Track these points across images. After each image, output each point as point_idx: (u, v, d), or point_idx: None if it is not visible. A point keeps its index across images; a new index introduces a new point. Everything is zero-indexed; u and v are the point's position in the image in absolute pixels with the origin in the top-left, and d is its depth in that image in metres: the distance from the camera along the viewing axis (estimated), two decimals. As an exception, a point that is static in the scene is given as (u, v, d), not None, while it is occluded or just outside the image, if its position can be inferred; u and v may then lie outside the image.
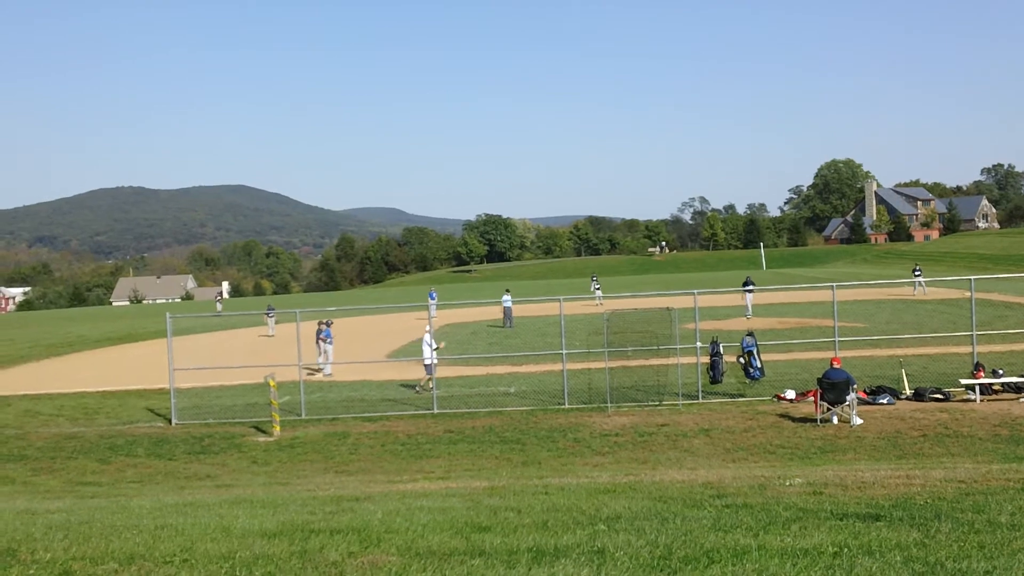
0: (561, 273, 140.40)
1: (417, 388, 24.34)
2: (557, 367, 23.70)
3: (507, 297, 41.91)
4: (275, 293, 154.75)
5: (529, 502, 10.03)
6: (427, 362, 23.59)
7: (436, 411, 21.40)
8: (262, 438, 19.74)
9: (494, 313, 45.91)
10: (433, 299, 46.07)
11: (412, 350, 32.42)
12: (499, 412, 21.03)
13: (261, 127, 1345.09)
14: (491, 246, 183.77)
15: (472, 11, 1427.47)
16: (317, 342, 28.85)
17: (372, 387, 25.69)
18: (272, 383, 20.11)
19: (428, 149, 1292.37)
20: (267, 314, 42.83)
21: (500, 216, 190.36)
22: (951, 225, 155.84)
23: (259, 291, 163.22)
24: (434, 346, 23.80)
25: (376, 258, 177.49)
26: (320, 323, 29.53)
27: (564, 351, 22.33)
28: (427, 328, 24.50)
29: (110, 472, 17.51)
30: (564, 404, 21.42)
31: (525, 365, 27.77)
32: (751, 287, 39.96)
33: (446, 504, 10.13)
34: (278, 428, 19.97)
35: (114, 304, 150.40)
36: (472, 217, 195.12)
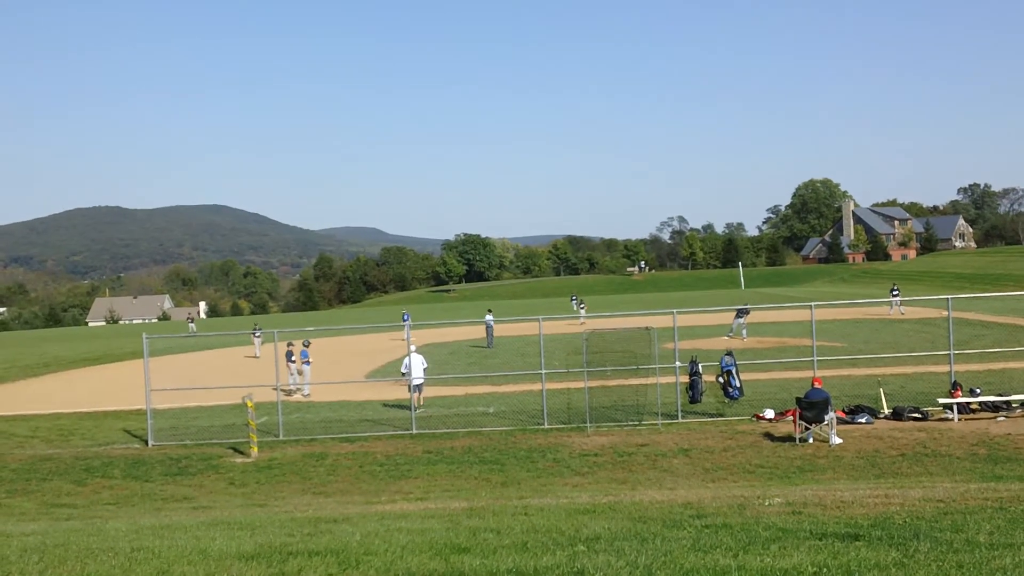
0: (540, 292, 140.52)
1: (420, 409, 23.87)
2: (536, 387, 23.68)
3: (489, 316, 41.90)
4: (253, 313, 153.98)
5: (508, 523, 9.98)
6: (419, 381, 23.79)
7: (415, 431, 21.31)
8: (240, 459, 19.58)
9: (473, 333, 45.88)
10: (407, 320, 46.25)
11: (390, 370, 32.30)
12: (478, 432, 20.96)
13: (240, 147, 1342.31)
14: (470, 266, 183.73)
15: (449, 30, 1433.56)
16: (288, 364, 28.61)
17: (351, 407, 25.57)
18: (250, 404, 19.97)
19: (407, 169, 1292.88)
20: (254, 334, 42.47)
21: (479, 235, 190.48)
22: (928, 244, 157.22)
23: (237, 311, 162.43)
24: (425, 365, 24.16)
25: (354, 278, 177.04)
26: (289, 344, 29.41)
27: (543, 371, 22.30)
28: (412, 348, 24.48)
29: (86, 494, 17.31)
30: (543, 424, 21.38)
31: (504, 385, 27.73)
32: (745, 310, 40.04)
33: (425, 525, 10.07)
34: (256, 449, 19.82)
35: (90, 324, 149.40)
36: (451, 236, 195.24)
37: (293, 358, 28.76)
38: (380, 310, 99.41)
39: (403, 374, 24.57)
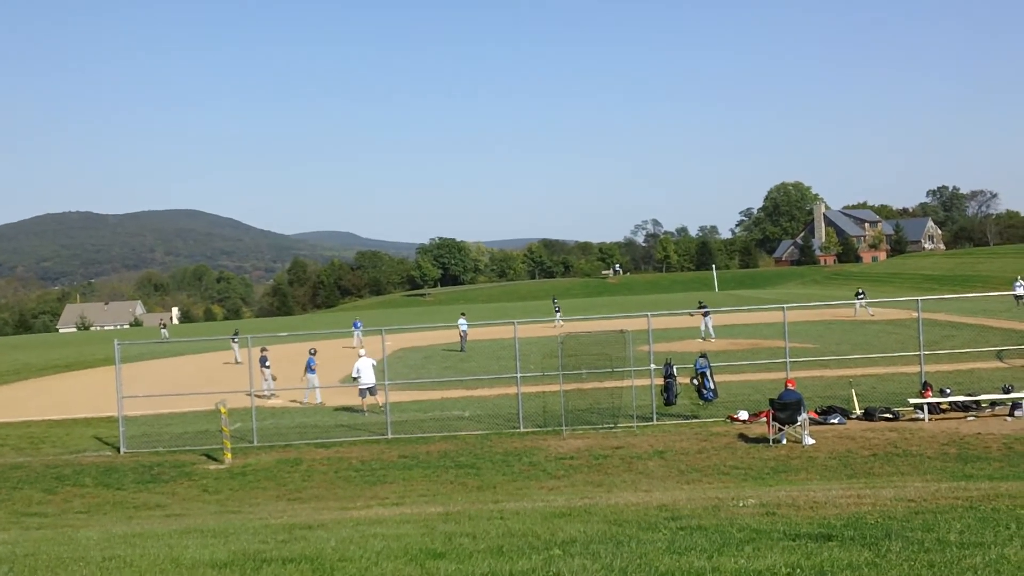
0: (515, 296, 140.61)
1: (369, 411, 24.40)
2: (512, 390, 23.69)
3: (463, 320, 41.91)
4: (226, 318, 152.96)
5: (484, 527, 9.97)
6: (368, 385, 24.33)
7: (390, 436, 21.27)
8: (213, 466, 19.45)
9: (448, 337, 45.81)
10: (358, 328, 46.28)
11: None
12: (454, 437, 20.95)
13: (213, 152, 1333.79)
14: (445, 270, 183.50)
15: (423, 35, 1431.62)
16: (262, 369, 28.40)
17: (325, 413, 25.48)
18: (223, 410, 19.85)
19: (382, 173, 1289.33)
20: (233, 340, 42.08)
21: (454, 239, 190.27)
22: (898, 246, 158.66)
23: (210, 316, 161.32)
24: (374, 364, 24.71)
25: (329, 282, 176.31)
26: (263, 350, 29.23)
27: (519, 374, 22.32)
28: (362, 353, 25.22)
29: (56, 502, 17.13)
30: (519, 428, 21.39)
31: (479, 389, 27.72)
32: (707, 310, 40.37)
33: (400, 531, 10.04)
34: (229, 455, 19.70)
35: (61, 331, 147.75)
36: (426, 241, 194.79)
37: (268, 363, 28.60)
38: (355, 314, 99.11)
39: (354, 378, 24.91)
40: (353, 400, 25.69)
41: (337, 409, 25.87)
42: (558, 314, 52.53)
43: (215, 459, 19.97)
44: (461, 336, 41.63)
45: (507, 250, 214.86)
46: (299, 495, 16.75)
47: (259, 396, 26.34)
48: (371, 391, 24.60)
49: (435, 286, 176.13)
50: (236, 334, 43.40)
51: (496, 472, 17.65)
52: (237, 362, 40.45)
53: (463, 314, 45.30)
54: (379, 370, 25.30)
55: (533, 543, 8.38)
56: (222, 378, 33.55)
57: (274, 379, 28.64)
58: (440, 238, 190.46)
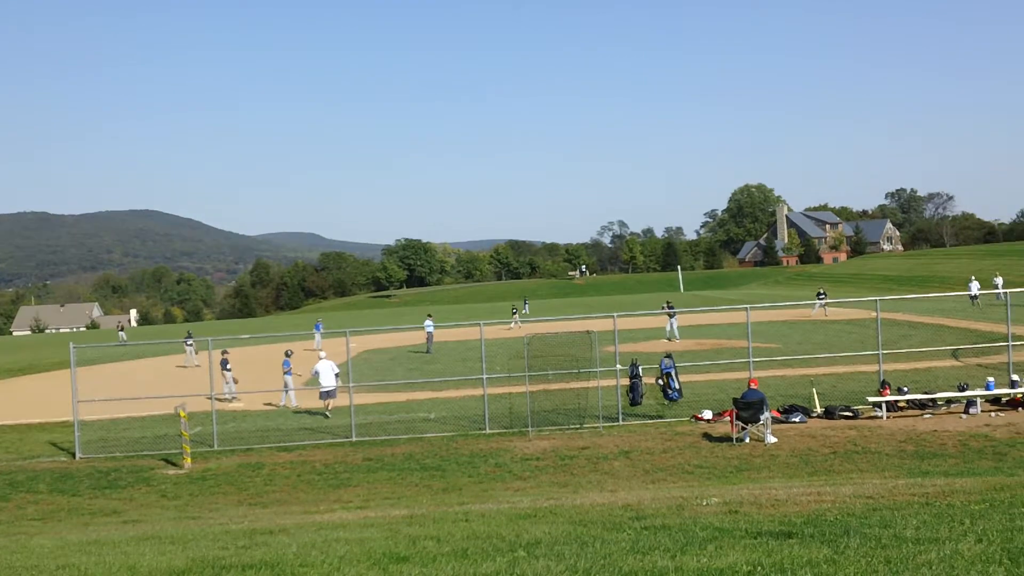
0: (482, 297, 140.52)
1: (327, 414, 24.34)
2: (478, 392, 23.66)
3: (429, 322, 41.79)
4: (186, 320, 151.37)
5: (449, 530, 9.94)
6: (329, 388, 24.31)
7: (355, 439, 21.15)
8: (172, 471, 19.23)
9: (414, 338, 45.67)
10: (319, 330, 46.00)
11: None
12: (419, 439, 20.89)
13: (172, 150, 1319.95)
14: (411, 271, 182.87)
15: (388, 35, 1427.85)
16: (223, 372, 28.12)
17: (288, 416, 25.30)
18: (183, 413, 19.63)
19: (347, 173, 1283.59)
20: (186, 342, 41.59)
21: (420, 241, 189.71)
22: (858, 248, 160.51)
23: (170, 319, 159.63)
24: (336, 371, 24.68)
25: (293, 284, 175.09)
26: (223, 352, 28.96)
27: (485, 376, 22.30)
28: (322, 356, 25.28)
29: (9, 509, 16.84)
30: (485, 429, 21.37)
31: (445, 391, 27.65)
32: (673, 310, 40.59)
33: (364, 535, 9.97)
34: (189, 460, 19.48)
35: (15, 334, 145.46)
36: (391, 242, 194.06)
37: (229, 366, 28.34)
38: (319, 316, 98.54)
39: (314, 377, 25.01)
40: (315, 403, 25.55)
41: (299, 412, 25.72)
42: (515, 315, 52.86)
43: (174, 464, 19.74)
44: (427, 337, 41.50)
45: (473, 251, 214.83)
46: (261, 500, 16.60)
47: (220, 399, 26.08)
48: (329, 394, 24.52)
49: (401, 287, 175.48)
50: (189, 336, 42.90)
51: (462, 474, 17.61)
52: (195, 365, 40.02)
53: (429, 315, 45.18)
54: (343, 372, 25.16)
55: (498, 545, 8.35)
56: (181, 381, 33.18)
57: (235, 382, 28.38)
58: (406, 239, 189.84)
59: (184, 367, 40.42)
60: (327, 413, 24.44)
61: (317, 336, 45.04)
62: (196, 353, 41.66)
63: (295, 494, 16.92)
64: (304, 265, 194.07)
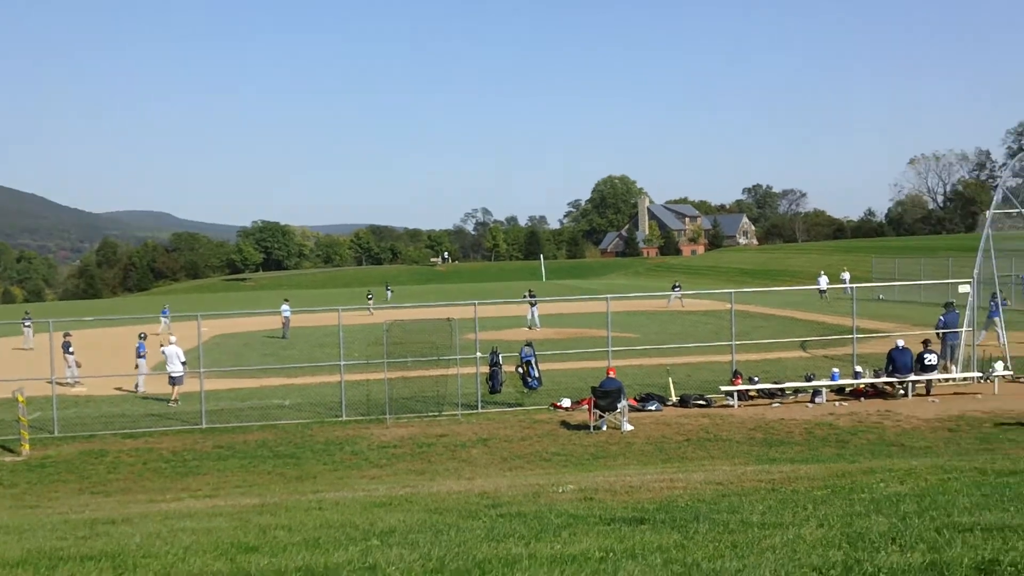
0: (341, 282, 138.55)
1: (173, 402, 23.52)
2: (335, 378, 23.30)
3: (285, 307, 40.94)
4: (27, 301, 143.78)
5: (301, 519, 9.73)
6: (178, 374, 23.62)
7: (204, 426, 20.50)
8: (9, 458, 18.21)
9: (270, 323, 44.63)
10: (166, 315, 44.43)
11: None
12: (273, 426, 20.43)
13: (14, 121, 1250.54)
14: (268, 254, 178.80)
15: (249, 16, 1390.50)
16: (65, 356, 26.79)
17: (134, 402, 24.35)
18: (20, 398, 18.61)
19: (200, 151, 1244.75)
20: (24, 323, 39.38)
21: (277, 223, 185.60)
22: (715, 241, 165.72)
23: (8, 299, 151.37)
24: (183, 359, 23.96)
25: (142, 265, 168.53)
26: (66, 335, 27.60)
27: (342, 362, 21.98)
28: (173, 340, 24.46)
29: None
30: (342, 416, 21.07)
31: (301, 377, 27.13)
32: (535, 299, 40.96)
33: (212, 524, 9.65)
34: (27, 447, 18.47)
35: None
36: (248, 224, 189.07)
37: (71, 349, 27.02)
38: (170, 299, 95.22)
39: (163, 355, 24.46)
40: (164, 389, 24.67)
41: (147, 398, 24.76)
42: (371, 301, 52.41)
43: (11, 450, 18.70)
44: (283, 322, 40.67)
45: (334, 235, 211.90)
46: (104, 488, 15.89)
47: (61, 384, 24.83)
48: (176, 381, 23.72)
49: (257, 271, 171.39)
50: (27, 316, 40.71)
51: (317, 462, 17.30)
52: (30, 348, 38.08)
53: (286, 300, 44.28)
54: (195, 357, 24.36)
55: (351, 534, 8.21)
56: (19, 365, 31.44)
57: (78, 366, 27.08)
58: (263, 221, 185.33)
59: (23, 349, 38.38)
60: (175, 400, 23.58)
61: (164, 321, 43.34)
62: (34, 335, 39.53)
63: (140, 483, 16.28)
64: (155, 245, 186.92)
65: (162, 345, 24.76)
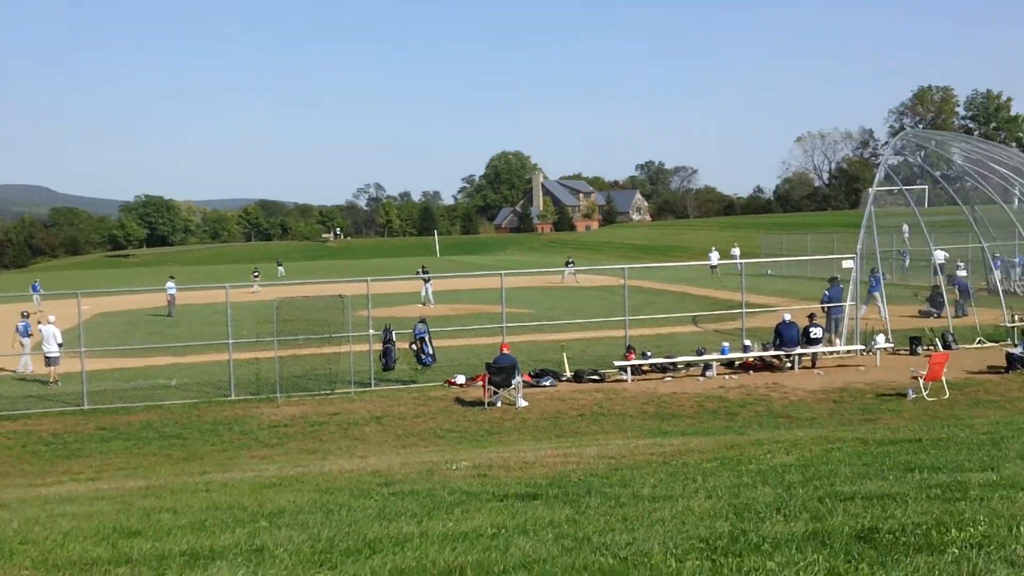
0: (229, 258, 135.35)
1: (52, 383, 22.67)
2: (223, 357, 22.79)
3: (171, 284, 39.82)
4: None
5: (188, 501, 9.50)
6: (54, 355, 22.98)
7: (87, 407, 19.81)
8: None
9: (154, 301, 43.33)
10: (36, 291, 42.72)
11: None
12: (159, 406, 19.90)
13: None
14: (152, 230, 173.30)
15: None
16: None
17: (11, 383, 23.41)
18: None
19: (80, 122, 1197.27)
20: None
21: (162, 198, 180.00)
22: (609, 217, 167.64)
23: None
24: (59, 340, 23.24)
25: (18, 240, 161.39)
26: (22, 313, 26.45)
27: (231, 340, 21.54)
28: (50, 319, 23.69)
29: None
30: (231, 395, 20.66)
31: (188, 356, 26.44)
32: (428, 275, 40.76)
33: (94, 508, 9.34)
34: None
35: None
36: (130, 198, 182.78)
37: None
38: (48, 276, 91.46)
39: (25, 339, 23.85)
40: (41, 369, 23.77)
41: (24, 380, 23.80)
42: (257, 278, 51.44)
43: None
44: (169, 300, 39.55)
45: (221, 211, 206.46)
46: (-22, 474, 15.20)
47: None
48: (52, 361, 22.86)
49: (141, 247, 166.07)
50: None
51: (205, 442, 16.92)
52: None
53: (172, 277, 43.01)
54: (74, 337, 23.48)
55: (239, 516, 8.04)
56: None
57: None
58: (146, 196, 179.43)
59: None
60: (54, 381, 22.71)
61: (36, 298, 41.61)
62: None
63: (19, 466, 15.66)
64: (32, 220, 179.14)
65: (40, 323, 23.72)
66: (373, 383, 21.46)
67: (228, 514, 8.23)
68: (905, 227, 43.94)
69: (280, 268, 76.91)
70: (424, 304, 39.13)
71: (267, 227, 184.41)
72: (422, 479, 10.29)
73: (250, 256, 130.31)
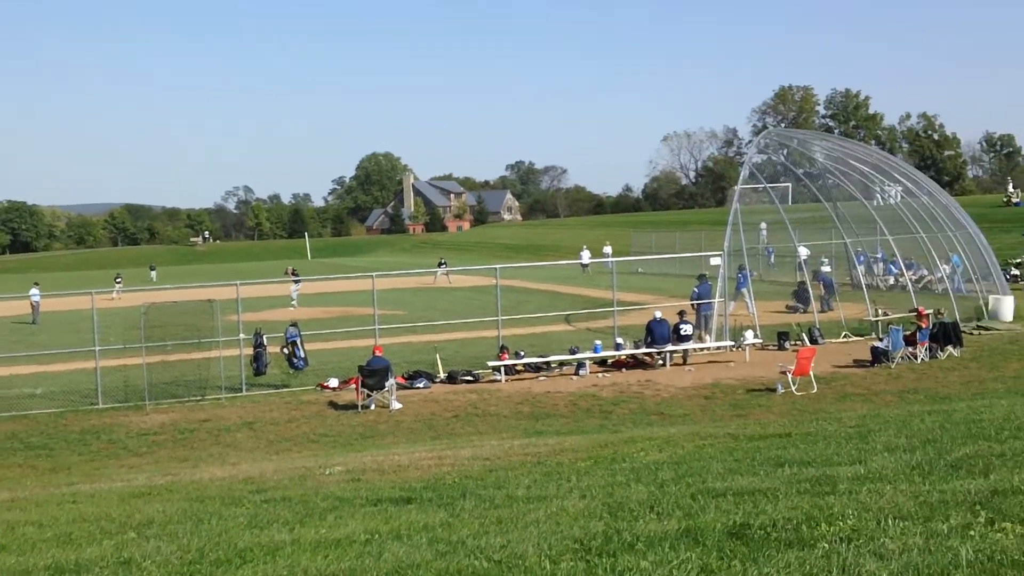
0: (95, 264, 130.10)
1: None
2: (90, 365, 22.08)
3: (35, 291, 38.16)
4: None
5: (53, 513, 9.28)
6: None
7: (-58, 420, 18.89)
8: None
9: (17, 308, 41.44)
10: None
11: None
12: (23, 416, 19.22)
13: None
14: (15, 235, 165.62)
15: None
16: None
17: None
18: None
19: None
20: None
21: (24, 203, 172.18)
22: (480, 217, 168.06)
23: None
24: None
25: None
26: None
27: (97, 347, 20.92)
28: None
29: None
30: (98, 404, 20.07)
31: (53, 364, 25.41)
32: (298, 278, 40.22)
33: (-48, 524, 8.98)
34: None
35: None
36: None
37: None
38: None
39: None
40: None
41: None
42: (119, 284, 50.08)
43: None
44: (33, 307, 38.03)
45: (87, 215, 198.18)
46: None
47: None
48: None
49: (3, 253, 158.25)
50: None
51: (71, 452, 16.41)
52: None
53: (36, 283, 41.35)
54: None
55: (106, 527, 7.92)
56: None
57: None
58: (8, 201, 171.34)
59: None
60: None
61: None
62: None
63: None
64: None
65: None
66: (244, 388, 21.14)
67: (95, 526, 8.09)
68: (763, 225, 44.97)
69: (153, 272, 74.70)
70: (295, 307, 38.59)
71: (134, 231, 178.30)
72: (295, 485, 10.27)
73: (116, 261, 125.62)
